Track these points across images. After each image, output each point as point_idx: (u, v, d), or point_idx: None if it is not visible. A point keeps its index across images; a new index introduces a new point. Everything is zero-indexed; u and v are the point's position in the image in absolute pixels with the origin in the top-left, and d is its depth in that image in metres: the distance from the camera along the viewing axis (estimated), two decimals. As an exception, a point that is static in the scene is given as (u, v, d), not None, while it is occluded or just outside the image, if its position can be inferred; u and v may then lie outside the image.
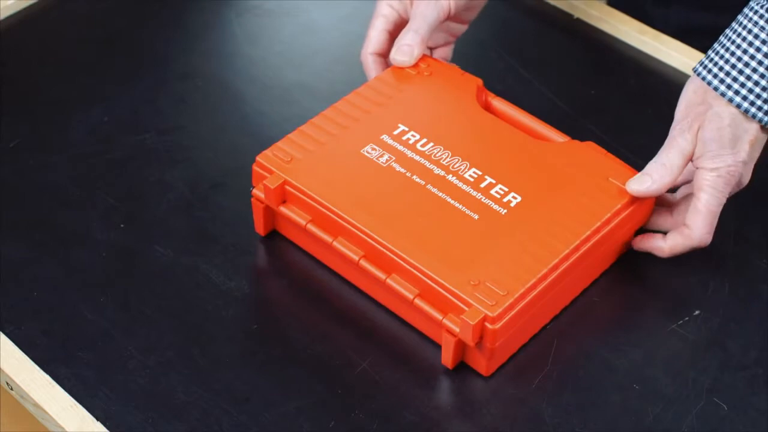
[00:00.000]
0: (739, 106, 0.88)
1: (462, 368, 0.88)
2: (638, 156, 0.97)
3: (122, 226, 0.98)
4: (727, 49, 0.89)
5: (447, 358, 0.87)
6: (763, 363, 0.89)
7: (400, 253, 0.87)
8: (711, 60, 0.90)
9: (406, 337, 0.91)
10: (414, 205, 0.90)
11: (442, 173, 0.92)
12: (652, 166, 0.91)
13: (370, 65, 1.03)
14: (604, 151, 0.95)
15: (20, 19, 1.19)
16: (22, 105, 1.10)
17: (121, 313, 0.92)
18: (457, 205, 0.90)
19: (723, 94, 0.88)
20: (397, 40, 1.01)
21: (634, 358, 0.89)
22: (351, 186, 0.91)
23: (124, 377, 0.88)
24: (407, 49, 1.00)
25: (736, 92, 0.88)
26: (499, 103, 1.00)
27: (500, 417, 0.86)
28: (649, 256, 0.95)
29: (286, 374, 0.88)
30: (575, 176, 0.93)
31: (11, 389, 0.89)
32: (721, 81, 0.88)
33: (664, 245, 0.93)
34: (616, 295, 0.94)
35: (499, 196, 0.91)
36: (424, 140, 0.95)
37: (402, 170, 0.92)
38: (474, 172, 0.92)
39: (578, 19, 1.19)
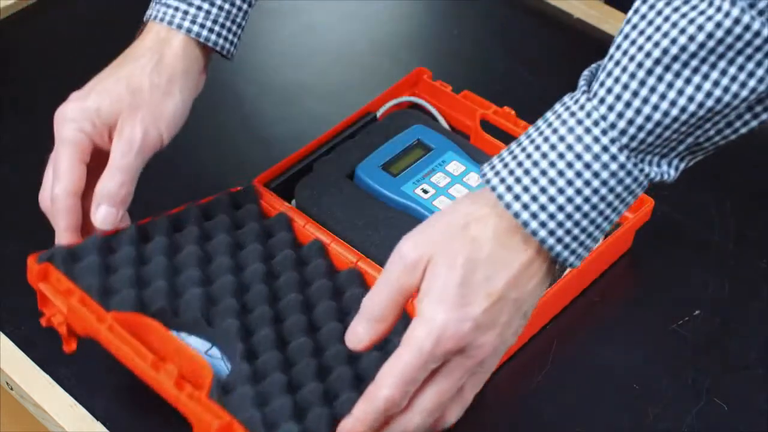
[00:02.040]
0: (517, 215, 0.67)
1: (462, 368, 0.88)
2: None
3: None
4: (524, 150, 0.68)
5: (447, 359, 0.87)
6: (763, 363, 0.89)
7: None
8: (501, 159, 0.69)
9: (406, 337, 0.90)
10: None
11: None
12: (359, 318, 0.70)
13: (66, 210, 0.82)
14: None
15: (20, 19, 1.19)
16: (22, 105, 1.10)
17: (121, 313, 0.92)
18: None
19: (500, 197, 0.67)
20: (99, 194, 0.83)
21: (634, 358, 0.89)
22: None
23: (125, 377, 0.87)
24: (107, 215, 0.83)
25: (516, 197, 0.67)
26: None
27: (500, 417, 0.86)
28: (648, 256, 0.95)
29: (286, 374, 0.88)
30: None
31: (11, 389, 0.89)
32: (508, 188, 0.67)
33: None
34: (616, 295, 0.94)
35: None
36: None
37: None
38: None
39: (578, 19, 1.19)
